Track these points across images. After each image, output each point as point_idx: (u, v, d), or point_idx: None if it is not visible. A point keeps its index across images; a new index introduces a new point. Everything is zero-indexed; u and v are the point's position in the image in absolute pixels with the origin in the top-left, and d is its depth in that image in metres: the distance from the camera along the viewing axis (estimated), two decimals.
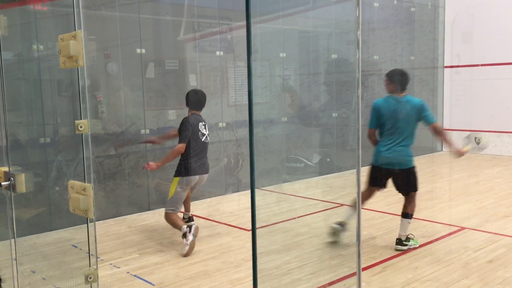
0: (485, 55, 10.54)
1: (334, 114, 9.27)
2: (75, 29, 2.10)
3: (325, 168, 8.87)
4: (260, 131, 8.39)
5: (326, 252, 4.84)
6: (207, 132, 5.27)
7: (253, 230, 2.03)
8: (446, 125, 11.38)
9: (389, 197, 7.11)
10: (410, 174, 4.86)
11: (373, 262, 4.50)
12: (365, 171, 9.33)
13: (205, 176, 5.24)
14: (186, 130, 5.01)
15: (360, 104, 2.45)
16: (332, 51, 9.18)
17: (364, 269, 4.35)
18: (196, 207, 6.68)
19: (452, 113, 11.30)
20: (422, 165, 9.82)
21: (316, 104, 9.35)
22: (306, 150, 9.11)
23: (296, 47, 9.02)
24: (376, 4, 9.91)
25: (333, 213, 6.30)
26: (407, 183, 4.89)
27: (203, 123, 5.22)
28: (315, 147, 9.35)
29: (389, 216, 6.05)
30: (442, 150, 11.39)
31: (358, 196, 2.61)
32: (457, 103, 11.19)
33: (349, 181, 8.36)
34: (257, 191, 7.71)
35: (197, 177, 5.13)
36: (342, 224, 4.89)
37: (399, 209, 6.31)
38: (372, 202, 6.78)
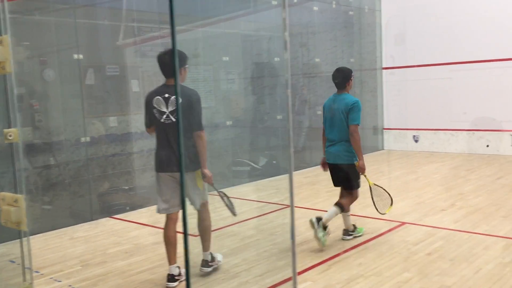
0: (418, 56, 11.01)
1: (278, 117, 9.37)
2: (1, 34, 2.01)
3: (271, 170, 8.94)
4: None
5: (273, 254, 4.87)
6: (169, 109, 4.06)
7: (185, 236, 2.00)
8: (386, 125, 11.79)
9: (335, 196, 7.26)
10: (347, 170, 5.01)
11: (320, 260, 4.58)
12: (310, 171, 9.48)
13: (174, 175, 4.11)
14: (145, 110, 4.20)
15: (290, 104, 2.49)
16: (274, 54, 9.29)
17: (310, 267, 4.42)
18: (141, 215, 6.56)
19: (391, 112, 11.71)
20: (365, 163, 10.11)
21: (261, 107, 9.42)
22: (252, 153, 9.16)
23: (239, 50, 9.06)
24: (315, 8, 10.13)
25: (280, 215, 6.36)
26: (345, 179, 5.08)
27: (164, 96, 4.05)
28: (261, 150, 9.41)
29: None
30: (383, 149, 11.78)
31: (291, 195, 2.66)
32: (395, 102, 11.61)
33: (295, 182, 8.44)
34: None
35: (163, 175, 4.15)
36: (318, 219, 4.91)
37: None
38: (318, 202, 6.93)
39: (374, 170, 9.45)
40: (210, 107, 8.56)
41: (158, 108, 4.08)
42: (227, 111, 8.76)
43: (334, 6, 10.73)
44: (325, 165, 5.23)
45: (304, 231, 5.51)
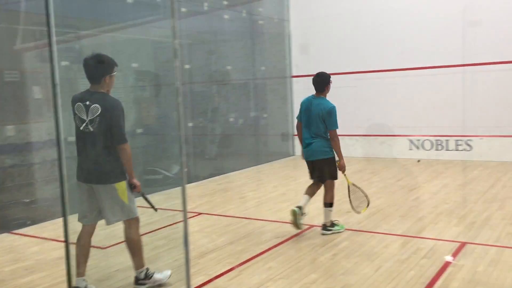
0: (324, 65, 11.46)
1: (190, 124, 9.33)
2: None
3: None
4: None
5: (182, 263, 4.82)
6: (89, 117, 3.90)
7: (67, 247, 1.92)
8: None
9: (246, 202, 7.36)
10: (325, 163, 5.40)
11: (230, 267, 4.60)
12: (223, 178, 9.48)
13: (100, 187, 3.98)
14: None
15: (181, 111, 2.51)
16: (185, 62, 9.24)
17: (220, 274, 4.43)
18: (44, 229, 6.20)
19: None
20: (277, 169, 10.35)
21: (174, 114, 9.31)
22: (165, 161, 9.01)
23: (149, 57, 8.91)
24: (226, 16, 10.24)
25: (192, 223, 6.31)
26: (320, 173, 5.45)
27: (85, 103, 3.88)
28: (174, 157, 9.30)
29: (246, 221, 6.24)
30: (293, 155, 12.12)
31: (184, 204, 2.69)
32: None
33: (208, 189, 8.47)
34: None
35: (81, 184, 4.05)
36: (300, 208, 5.36)
37: (256, 214, 6.58)
38: (231, 208, 6.97)
39: (285, 175, 9.70)
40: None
41: (79, 115, 3.94)
42: (137, 118, 8.56)
43: (244, 15, 10.91)
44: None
45: (216, 238, 5.52)
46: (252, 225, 6.05)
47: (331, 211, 5.50)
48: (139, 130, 8.34)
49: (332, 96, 11.61)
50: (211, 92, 10.15)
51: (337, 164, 5.40)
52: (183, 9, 9.14)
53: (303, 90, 11.95)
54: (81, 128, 3.93)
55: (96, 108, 3.86)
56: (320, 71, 5.73)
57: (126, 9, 8.05)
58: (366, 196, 5.62)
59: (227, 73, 10.36)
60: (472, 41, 9.69)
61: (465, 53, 9.76)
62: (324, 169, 5.41)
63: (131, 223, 4.17)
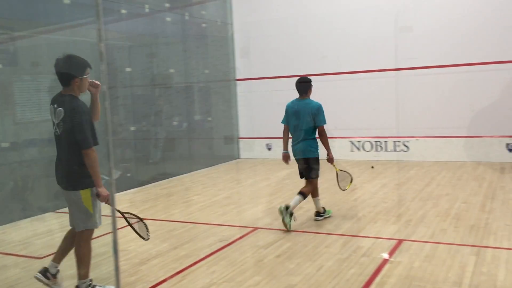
0: (268, 68, 11.64)
1: (132, 128, 9.14)
2: None
3: (125, 184, 8.67)
4: (50, 150, 7.79)
5: (125, 270, 4.72)
6: (56, 121, 3.90)
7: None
8: (242, 134, 12.19)
9: (190, 206, 7.30)
10: (311, 162, 5.90)
11: (173, 272, 4.55)
12: (167, 183, 9.32)
13: (67, 193, 3.97)
14: None
15: (109, 116, 2.47)
16: (126, 65, 9.05)
17: (164, 280, 4.37)
18: None
19: (245, 122, 12.16)
20: (221, 172, 10.34)
21: (114, 118, 9.08)
22: (106, 166, 8.77)
23: (88, 59, 8.64)
24: (168, 19, 10.12)
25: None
26: (308, 170, 5.94)
27: (54, 106, 3.91)
28: (115, 162, 9.06)
29: (190, 225, 6.19)
30: (239, 158, 12.15)
31: (113, 205, 2.67)
32: (248, 113, 12.08)
33: (151, 194, 8.33)
34: (53, 215, 7.14)
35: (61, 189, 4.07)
36: (287, 207, 5.69)
37: (200, 218, 6.54)
38: (175, 213, 6.89)
39: (230, 178, 9.71)
40: None
41: (51, 117, 3.95)
42: None
43: (187, 17, 10.83)
44: (287, 158, 6.11)
45: (159, 244, 5.44)
46: (196, 229, 6.01)
47: (318, 200, 6.07)
48: None
49: (274, 100, 11.78)
50: (153, 96, 10.00)
51: (329, 157, 5.98)
52: (123, 11, 8.96)
53: (246, 93, 12.07)
54: (53, 131, 3.95)
55: (60, 111, 3.83)
56: (302, 76, 6.38)
57: (63, 10, 7.78)
58: (350, 175, 6.33)
59: (170, 76, 10.24)
60: (404, 46, 10.12)
61: (397, 58, 10.17)
62: (308, 166, 5.92)
63: (86, 232, 4.07)
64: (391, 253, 4.74)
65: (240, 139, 12.23)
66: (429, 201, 6.72)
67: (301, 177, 6.10)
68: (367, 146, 10.79)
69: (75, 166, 3.86)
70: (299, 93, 6.04)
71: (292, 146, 6.02)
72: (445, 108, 9.95)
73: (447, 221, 5.71)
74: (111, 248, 2.46)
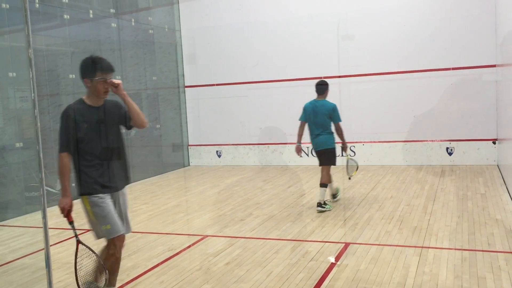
0: (216, 75, 11.63)
1: None
2: None
3: (73, 193, 8.38)
4: None
5: (68, 284, 4.55)
6: None
7: None
8: (191, 141, 12.09)
9: (139, 215, 7.15)
10: (329, 152, 6.87)
11: (122, 283, 4.43)
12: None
13: None
14: None
15: (38, 124, 2.40)
16: (69, 71, 8.78)
17: None
18: None
19: (195, 129, 12.08)
20: (171, 180, 10.21)
21: (57, 126, 8.78)
22: (49, 177, 8.45)
23: (23, 65, 8.32)
24: (113, 25, 9.92)
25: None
26: (327, 158, 6.89)
27: None
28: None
29: (138, 235, 6.06)
30: (189, 165, 12.04)
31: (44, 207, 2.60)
32: (198, 120, 12.01)
33: None
34: None
35: None
36: (334, 196, 7.19)
37: (148, 227, 6.41)
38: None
39: (180, 186, 9.60)
40: None
41: None
42: (16, 131, 7.95)
43: (133, 23, 10.65)
44: (300, 150, 7.04)
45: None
46: (144, 239, 5.89)
47: (325, 191, 6.74)
48: (18, 144, 7.75)
49: (222, 106, 11.77)
50: None
51: (345, 146, 7.01)
52: (66, 16, 8.70)
53: (194, 100, 12.01)
54: None
55: None
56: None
57: (0, 15, 7.47)
58: (357, 163, 7.36)
59: None
60: (347, 54, 10.40)
61: (340, 65, 10.44)
62: (326, 156, 6.86)
63: (107, 242, 3.83)
64: (338, 257, 4.83)
65: (189, 146, 12.13)
66: (375, 204, 6.91)
67: (320, 165, 6.97)
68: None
69: (74, 171, 3.71)
70: (317, 94, 6.98)
71: (312, 139, 6.97)
72: (388, 114, 10.28)
73: (392, 224, 5.88)
74: (44, 262, 2.36)
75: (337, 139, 6.93)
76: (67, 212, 3.67)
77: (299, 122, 7.02)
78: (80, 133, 3.59)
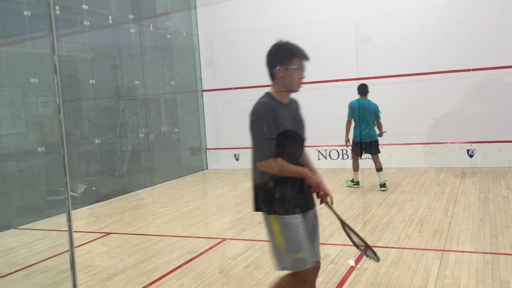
0: (233, 79, 11.68)
1: (97, 141, 8.99)
2: None
3: (91, 198, 8.50)
4: (12, 165, 7.59)
5: (89, 286, 4.61)
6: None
7: None
8: (209, 145, 12.15)
9: (158, 218, 7.21)
10: (376, 143, 8.20)
11: (141, 286, 4.47)
12: (134, 195, 9.20)
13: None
14: None
15: (63, 130, 2.44)
16: (89, 77, 8.92)
17: None
18: None
19: (213, 133, 12.14)
20: (189, 184, 10.27)
21: (77, 131, 8.92)
22: (70, 180, 8.58)
23: (49, 72, 8.48)
24: (132, 30, 10.04)
25: (99, 244, 6.06)
26: (375, 148, 8.20)
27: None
28: (79, 176, 8.90)
29: (158, 238, 6.12)
30: (207, 169, 12.10)
31: (69, 211, 2.62)
32: (216, 124, 12.07)
33: (118, 207, 8.19)
34: (13, 232, 6.94)
35: None
36: (357, 183, 8.50)
37: (167, 230, 6.47)
38: (142, 226, 6.79)
39: (198, 189, 9.66)
40: (18, 133, 7.82)
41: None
42: (38, 136, 8.10)
43: (151, 29, 10.77)
44: (347, 143, 8.40)
45: (126, 258, 5.34)
46: (164, 242, 5.94)
47: (382, 173, 8.19)
48: (40, 149, 7.89)
49: (240, 110, 11.81)
50: (118, 108, 9.87)
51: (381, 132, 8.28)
52: (86, 22, 8.85)
53: (213, 103, 12.07)
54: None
55: None
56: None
57: (22, 22, 7.62)
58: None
59: (135, 87, 10.14)
60: (365, 56, 10.34)
61: (359, 67, 10.38)
62: (374, 146, 8.16)
63: (287, 278, 2.99)
64: (357, 260, 4.80)
65: (208, 150, 12.19)
66: (394, 207, 6.85)
67: (360, 155, 8.25)
68: (334, 154, 10.92)
69: (264, 180, 2.93)
70: (361, 94, 8.20)
71: (360, 132, 8.11)
72: (407, 116, 10.19)
73: (412, 227, 5.83)
74: (67, 264, 2.39)
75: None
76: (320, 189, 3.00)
77: (346, 119, 8.23)
78: (278, 137, 2.87)
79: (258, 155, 2.87)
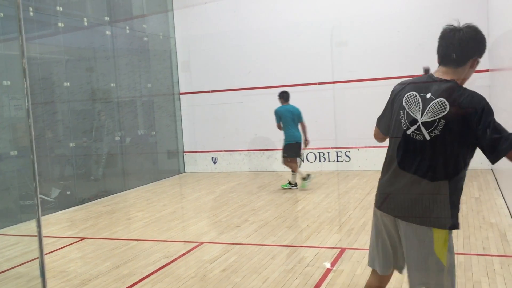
0: (210, 82, 11.67)
1: (71, 144, 8.86)
2: None
3: (65, 202, 8.36)
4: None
5: None
6: (431, 115, 2.55)
7: None
8: (186, 148, 12.09)
9: (134, 223, 7.14)
10: (299, 146, 8.52)
11: None
12: (110, 199, 9.04)
13: (409, 227, 2.66)
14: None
15: (32, 134, 2.41)
16: (63, 79, 8.78)
17: None
18: None
19: (190, 136, 12.08)
20: (166, 187, 10.19)
21: (51, 134, 8.77)
22: (43, 185, 8.43)
23: (16, 74, 8.33)
24: (108, 32, 9.93)
25: (73, 249, 5.97)
26: (297, 151, 8.61)
27: (424, 95, 2.63)
28: (53, 180, 8.74)
29: (134, 242, 6.05)
30: (184, 172, 12.03)
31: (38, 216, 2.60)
32: (193, 127, 12.02)
33: (92, 212, 8.08)
34: None
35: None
36: (307, 176, 8.63)
37: (144, 234, 6.41)
38: (117, 230, 6.71)
39: (175, 193, 9.59)
40: None
41: (408, 110, 2.64)
42: (11, 140, 7.93)
43: (128, 31, 10.67)
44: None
45: (100, 263, 5.27)
46: (140, 246, 5.88)
47: (295, 175, 8.78)
48: (13, 152, 7.73)
49: (217, 113, 11.78)
50: (94, 111, 9.74)
51: None
52: (60, 24, 8.71)
53: (189, 107, 12.03)
54: (407, 131, 2.64)
55: (441, 103, 2.53)
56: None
57: None
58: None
59: (111, 90, 10.02)
60: (340, 60, 10.46)
61: (334, 71, 10.49)
62: (296, 148, 8.72)
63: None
64: (334, 262, 4.83)
65: (185, 153, 12.13)
66: (370, 209, 6.89)
67: (294, 156, 8.74)
68: (311, 157, 10.99)
69: (444, 191, 2.55)
70: (284, 100, 8.65)
71: (289, 135, 8.68)
72: None
73: None
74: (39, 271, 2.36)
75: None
76: None
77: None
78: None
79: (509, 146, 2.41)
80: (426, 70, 3.06)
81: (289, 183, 8.86)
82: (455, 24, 2.66)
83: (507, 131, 2.43)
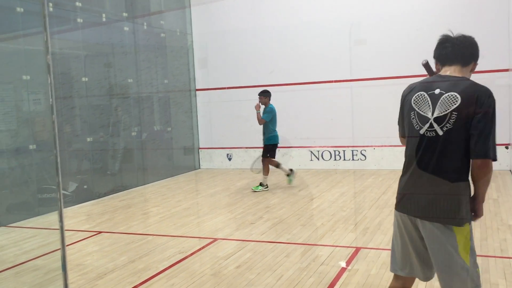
0: (227, 78, 11.68)
1: (89, 139, 8.95)
2: None
3: (82, 196, 8.46)
4: (3, 162, 7.54)
5: (79, 285, 4.59)
6: (442, 110, 2.57)
7: None
8: (202, 144, 12.13)
9: (149, 218, 7.19)
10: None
11: (131, 286, 4.45)
12: (126, 194, 9.13)
13: (428, 226, 2.66)
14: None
15: (56, 129, 2.43)
16: (82, 74, 8.87)
17: None
18: None
19: (206, 132, 12.12)
20: (181, 183, 10.25)
21: (69, 129, 8.87)
22: (61, 179, 8.53)
23: (42, 69, 8.42)
24: (126, 28, 10.00)
25: (91, 242, 6.04)
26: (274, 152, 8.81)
27: (433, 92, 2.67)
28: (71, 174, 8.84)
29: (149, 237, 6.10)
30: (199, 168, 12.08)
31: (61, 210, 2.61)
32: (209, 123, 12.06)
33: (109, 206, 8.16)
34: (3, 230, 6.89)
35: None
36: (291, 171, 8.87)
37: (159, 230, 6.45)
38: (133, 225, 6.77)
39: (190, 189, 9.64)
40: (9, 130, 7.76)
41: (418, 110, 2.66)
42: (30, 134, 8.04)
43: (145, 27, 10.73)
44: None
45: (117, 257, 5.32)
46: (155, 241, 5.92)
47: (266, 177, 8.76)
48: (32, 146, 7.84)
49: (233, 110, 11.79)
50: (111, 106, 9.83)
51: None
52: (79, 20, 8.80)
53: (206, 103, 12.06)
54: (418, 129, 2.65)
55: (453, 97, 2.52)
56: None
57: (15, 19, 7.57)
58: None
59: (128, 86, 10.10)
60: (358, 58, 10.38)
61: (352, 69, 10.41)
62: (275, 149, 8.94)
63: None
64: (349, 261, 4.81)
65: (200, 149, 12.17)
66: (386, 209, 6.88)
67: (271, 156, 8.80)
68: (326, 155, 10.95)
69: (462, 188, 2.57)
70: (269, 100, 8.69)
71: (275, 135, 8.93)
72: None
73: None
74: (57, 263, 2.38)
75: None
76: None
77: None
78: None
79: (492, 151, 2.46)
80: (426, 64, 3.00)
81: (261, 184, 8.79)
82: (450, 34, 2.76)
83: (493, 135, 2.46)
